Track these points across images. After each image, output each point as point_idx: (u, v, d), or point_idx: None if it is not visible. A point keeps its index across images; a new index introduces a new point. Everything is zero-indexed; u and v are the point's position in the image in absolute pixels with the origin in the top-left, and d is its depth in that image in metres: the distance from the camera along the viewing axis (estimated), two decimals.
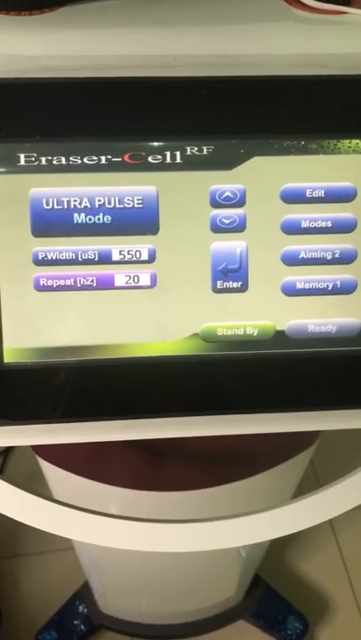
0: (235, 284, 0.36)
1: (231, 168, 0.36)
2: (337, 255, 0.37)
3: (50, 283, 0.35)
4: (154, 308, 0.36)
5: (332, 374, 0.38)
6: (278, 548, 1.13)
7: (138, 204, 0.35)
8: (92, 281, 0.36)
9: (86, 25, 0.36)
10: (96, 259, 0.35)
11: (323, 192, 0.36)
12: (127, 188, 0.35)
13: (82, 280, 0.35)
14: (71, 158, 0.35)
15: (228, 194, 0.36)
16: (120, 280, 0.36)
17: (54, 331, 0.36)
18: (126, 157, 0.35)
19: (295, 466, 0.65)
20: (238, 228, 0.36)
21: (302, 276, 0.37)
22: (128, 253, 0.36)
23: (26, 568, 1.12)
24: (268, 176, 0.36)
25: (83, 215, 0.35)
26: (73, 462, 0.60)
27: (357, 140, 0.36)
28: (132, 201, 0.35)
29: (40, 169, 0.35)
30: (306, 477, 0.71)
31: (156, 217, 0.35)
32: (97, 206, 0.35)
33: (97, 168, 0.35)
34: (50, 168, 0.35)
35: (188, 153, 0.35)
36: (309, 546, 1.16)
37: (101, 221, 0.35)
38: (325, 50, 0.36)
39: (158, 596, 0.93)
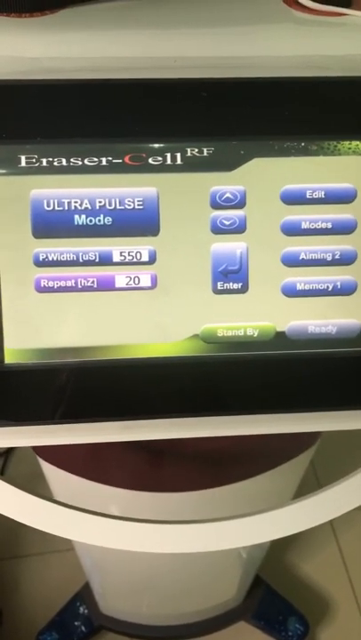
0: (235, 285, 0.36)
1: (231, 169, 0.36)
2: (337, 256, 0.37)
3: (51, 284, 0.35)
4: (154, 309, 0.36)
5: (333, 375, 0.38)
6: (279, 549, 1.13)
7: (138, 205, 0.35)
8: (93, 282, 0.36)
9: (87, 27, 0.36)
10: (97, 260, 0.35)
11: (323, 193, 0.36)
12: (128, 190, 0.35)
13: (82, 281, 0.36)
14: (72, 160, 0.35)
15: (228, 195, 0.36)
16: (121, 281, 0.36)
17: (55, 332, 0.36)
18: (127, 159, 0.35)
19: (296, 467, 0.65)
20: (239, 229, 0.36)
21: (302, 277, 0.37)
22: (129, 255, 0.36)
23: (26, 569, 1.12)
24: (268, 177, 0.36)
25: (83, 216, 0.35)
26: (73, 463, 0.60)
27: (357, 142, 0.36)
28: (133, 202, 0.35)
29: (41, 170, 0.35)
30: (306, 478, 0.71)
31: (157, 218, 0.36)
32: (97, 208, 0.35)
33: (97, 169, 0.35)
34: (51, 169, 0.35)
35: (189, 154, 0.35)
36: (310, 547, 1.16)
37: (102, 223, 0.35)
38: (325, 51, 0.36)
39: (159, 597, 0.93)
